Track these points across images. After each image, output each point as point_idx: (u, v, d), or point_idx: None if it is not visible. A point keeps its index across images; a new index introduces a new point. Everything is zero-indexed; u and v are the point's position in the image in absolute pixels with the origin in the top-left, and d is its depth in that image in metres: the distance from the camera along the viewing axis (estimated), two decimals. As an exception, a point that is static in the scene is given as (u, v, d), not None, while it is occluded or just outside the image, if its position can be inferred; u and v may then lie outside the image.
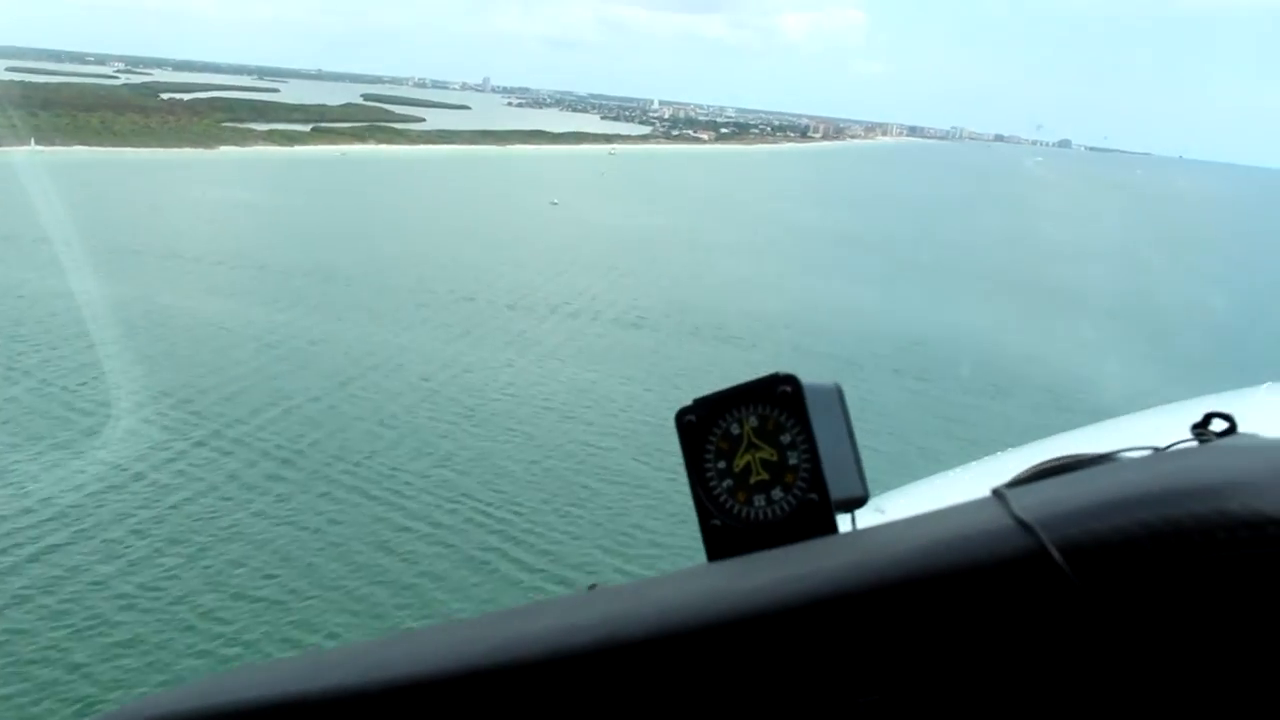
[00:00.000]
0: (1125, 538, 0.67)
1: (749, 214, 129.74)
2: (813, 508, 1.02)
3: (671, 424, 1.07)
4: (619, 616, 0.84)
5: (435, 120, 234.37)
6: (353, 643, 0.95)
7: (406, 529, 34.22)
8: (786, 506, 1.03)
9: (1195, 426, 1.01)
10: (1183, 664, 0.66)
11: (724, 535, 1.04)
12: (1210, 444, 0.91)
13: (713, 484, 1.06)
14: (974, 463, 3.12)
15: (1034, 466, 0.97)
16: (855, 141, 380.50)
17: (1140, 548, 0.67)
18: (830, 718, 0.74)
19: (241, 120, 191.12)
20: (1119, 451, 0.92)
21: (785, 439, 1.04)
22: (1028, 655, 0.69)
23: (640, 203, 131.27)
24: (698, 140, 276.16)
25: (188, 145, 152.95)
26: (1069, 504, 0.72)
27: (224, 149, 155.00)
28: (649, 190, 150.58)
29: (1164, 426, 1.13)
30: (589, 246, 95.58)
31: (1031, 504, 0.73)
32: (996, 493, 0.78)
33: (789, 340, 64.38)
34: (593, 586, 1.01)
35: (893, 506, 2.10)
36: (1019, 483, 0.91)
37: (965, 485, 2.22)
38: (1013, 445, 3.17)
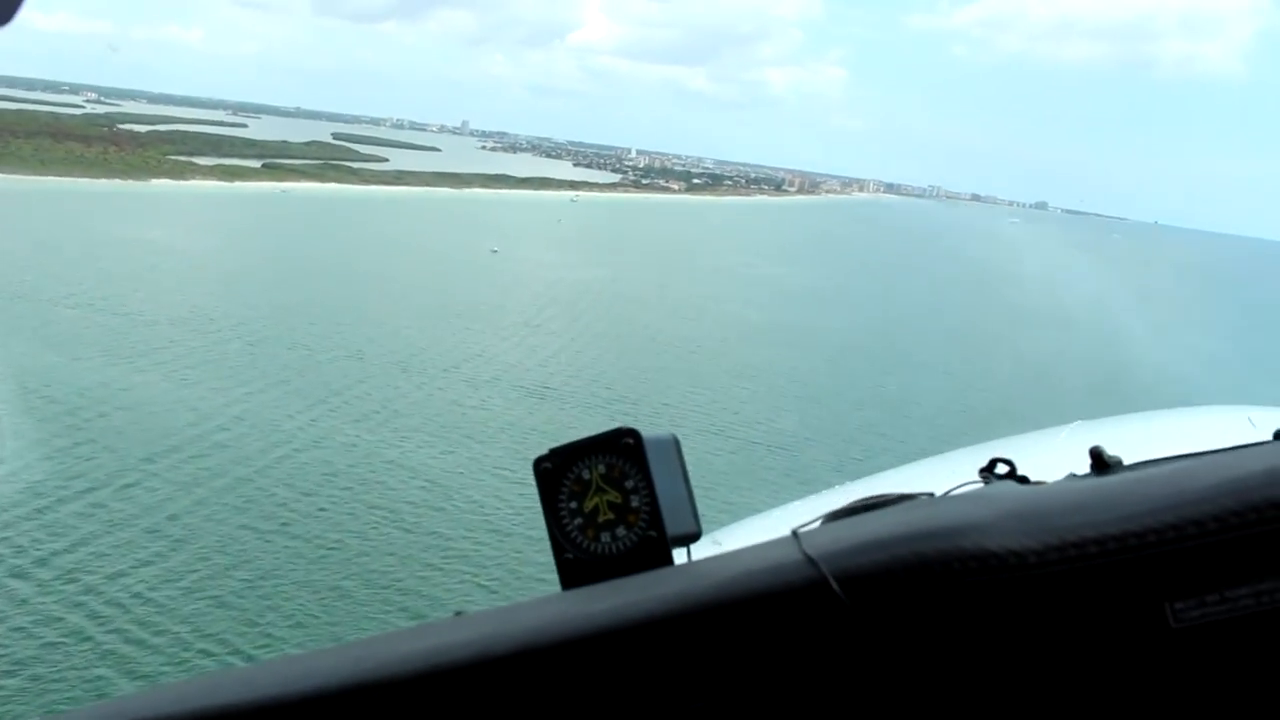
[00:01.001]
0: (887, 570, 0.85)
1: (697, 267, 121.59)
2: (652, 543, 1.16)
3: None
4: (483, 638, 0.97)
5: (399, 161, 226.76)
6: (221, 670, 0.81)
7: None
8: (629, 542, 1.17)
9: (981, 470, 1.20)
10: (935, 674, 0.84)
11: (576, 567, 1.18)
12: (974, 489, 1.06)
13: (566, 523, 1.20)
14: (798, 500, 3.43)
15: (839, 508, 1.14)
16: (831, 196, 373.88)
17: (898, 578, 0.84)
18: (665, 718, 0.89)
19: (193, 154, 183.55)
20: (905, 495, 1.08)
21: (629, 484, 1.18)
22: (818, 666, 0.85)
23: (587, 252, 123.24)
24: (667, 190, 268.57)
25: (120, 177, 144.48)
26: (847, 542, 0.90)
27: (157, 182, 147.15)
28: (601, 240, 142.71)
29: (962, 468, 1.29)
30: (516, 298, 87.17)
31: (819, 542, 0.90)
32: (794, 532, 0.95)
33: (693, 403, 58.01)
34: (458, 613, 1.12)
35: (729, 538, 2.35)
36: (831, 518, 1.12)
37: (789, 519, 2.31)
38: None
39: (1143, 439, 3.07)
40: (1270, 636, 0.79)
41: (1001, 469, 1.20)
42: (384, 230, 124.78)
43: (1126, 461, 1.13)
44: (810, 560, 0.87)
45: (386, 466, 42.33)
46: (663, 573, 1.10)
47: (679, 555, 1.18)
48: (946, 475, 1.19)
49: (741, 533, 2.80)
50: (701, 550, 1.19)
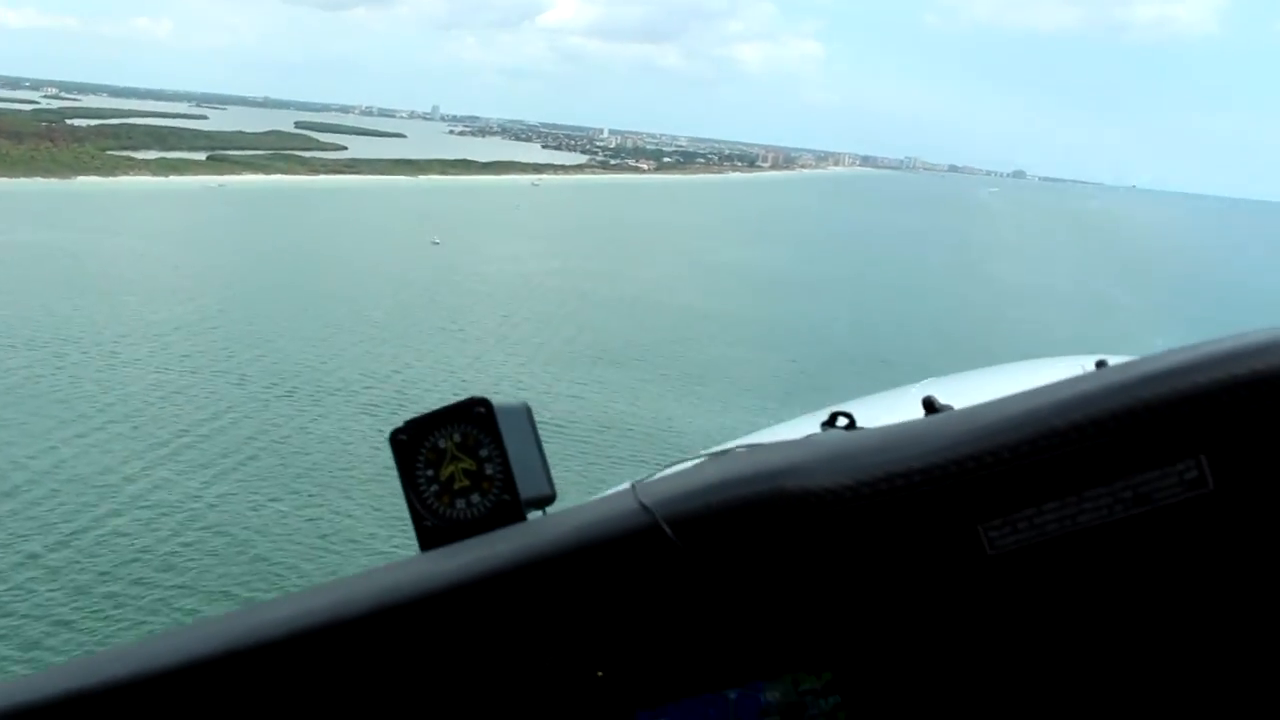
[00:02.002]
0: (714, 512, 0.91)
1: (655, 253, 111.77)
2: (506, 507, 1.18)
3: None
4: (346, 600, 1.02)
5: (359, 149, 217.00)
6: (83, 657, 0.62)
7: None
8: (484, 508, 1.19)
9: (823, 423, 1.24)
10: (768, 607, 0.91)
11: (434, 534, 1.20)
12: (810, 438, 1.10)
13: (423, 491, 1.21)
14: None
15: (678, 460, 1.22)
16: (806, 171, 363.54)
17: (725, 519, 0.91)
18: (529, 672, 0.96)
19: (137, 148, 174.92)
20: (740, 447, 1.13)
21: (483, 452, 1.20)
22: (659, 605, 0.93)
23: (537, 241, 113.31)
24: (636, 170, 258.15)
25: (42, 175, 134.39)
26: (678, 490, 0.96)
27: (83, 179, 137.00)
28: (556, 226, 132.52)
29: (809, 424, 1.33)
30: (446, 298, 77.14)
31: (653, 491, 0.96)
32: (631, 485, 1.00)
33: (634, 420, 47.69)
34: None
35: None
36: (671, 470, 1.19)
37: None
38: None
39: (986, 388, 2.51)
40: (1077, 558, 0.85)
41: (841, 421, 1.25)
42: (316, 224, 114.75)
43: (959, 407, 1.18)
44: (645, 508, 0.94)
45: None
46: (510, 529, 1.14)
47: (534, 517, 1.21)
48: (796, 432, 1.25)
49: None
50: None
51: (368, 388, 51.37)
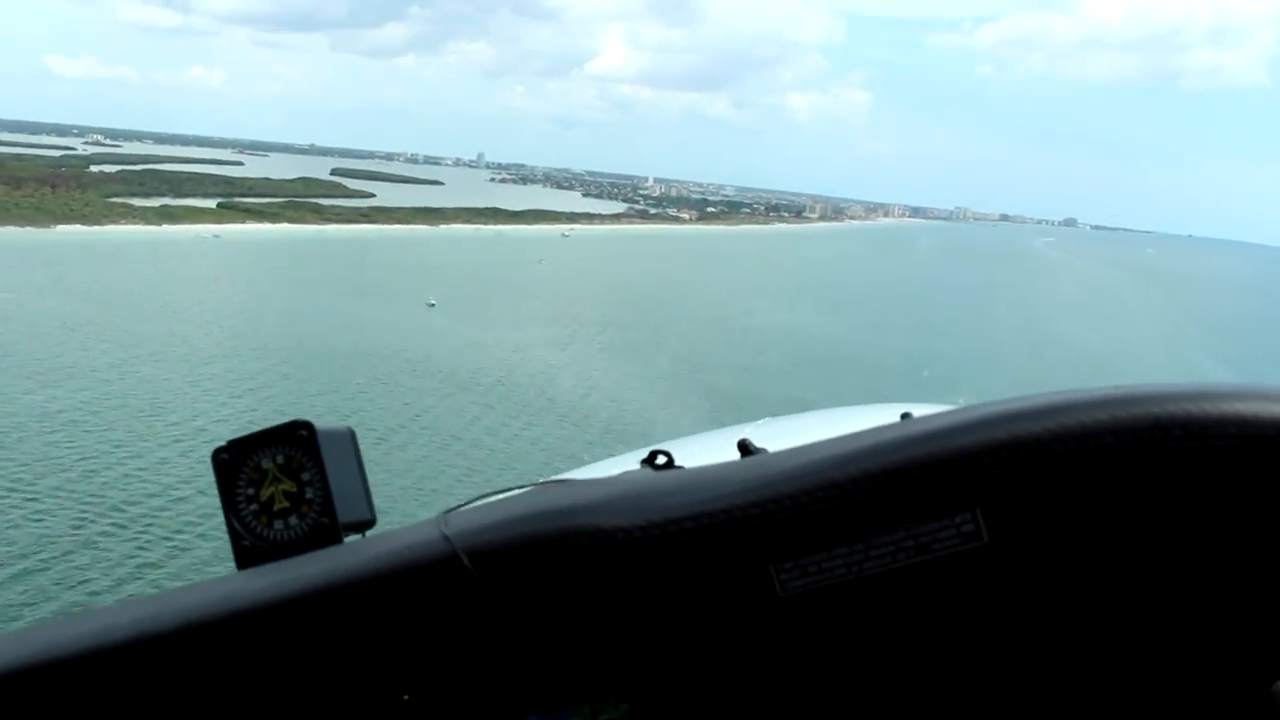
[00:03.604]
0: (511, 546, 0.95)
1: (684, 318, 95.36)
2: (324, 530, 1.19)
3: None
4: (152, 615, 1.01)
5: (391, 196, 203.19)
6: None
7: None
8: (302, 530, 1.19)
9: (642, 461, 1.29)
10: (560, 639, 0.95)
11: (251, 553, 1.20)
12: (617, 476, 1.14)
13: (242, 510, 1.21)
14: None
15: (489, 493, 1.22)
16: (855, 222, 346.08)
17: (521, 553, 0.95)
18: (331, 695, 0.96)
19: (149, 194, 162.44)
20: (551, 481, 1.16)
21: (305, 475, 1.20)
22: (456, 634, 0.96)
23: (551, 303, 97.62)
24: (677, 220, 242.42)
25: (19, 223, 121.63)
26: (479, 522, 0.99)
27: (63, 228, 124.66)
28: (578, 284, 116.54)
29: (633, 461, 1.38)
30: (403, 389, 61.04)
31: (457, 523, 0.99)
32: (441, 514, 1.03)
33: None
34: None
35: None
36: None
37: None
38: None
39: (800, 433, 2.68)
40: (863, 602, 0.91)
41: (660, 460, 1.27)
42: (306, 279, 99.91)
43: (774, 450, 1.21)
44: (446, 539, 0.96)
45: None
46: (319, 553, 1.14)
47: (351, 541, 1.22)
48: (618, 468, 1.29)
49: None
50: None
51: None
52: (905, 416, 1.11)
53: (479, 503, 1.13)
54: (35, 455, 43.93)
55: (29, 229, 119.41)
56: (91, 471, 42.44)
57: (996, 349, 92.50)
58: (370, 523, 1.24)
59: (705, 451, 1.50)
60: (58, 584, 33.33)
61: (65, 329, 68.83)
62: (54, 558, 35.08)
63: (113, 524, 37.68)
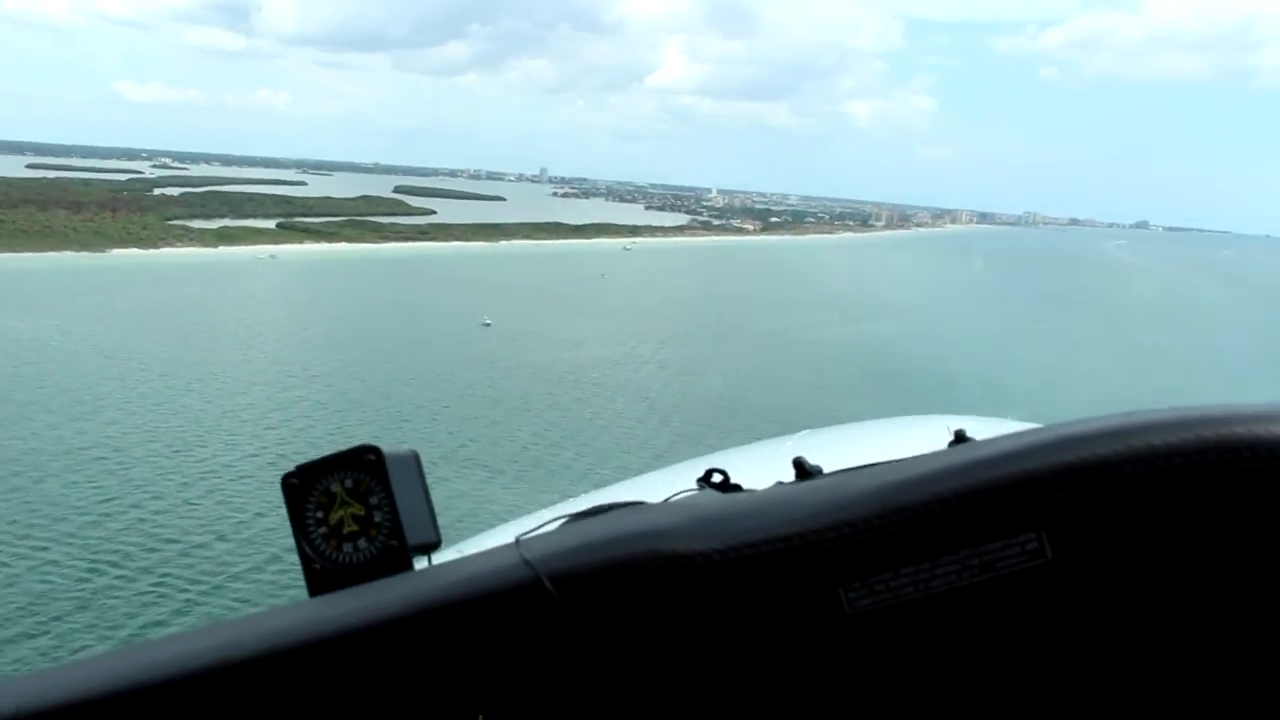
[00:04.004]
0: (591, 571, 0.97)
1: (748, 332, 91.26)
2: (393, 552, 1.21)
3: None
4: (236, 641, 1.03)
5: (452, 213, 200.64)
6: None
7: None
8: (372, 552, 1.21)
9: (699, 480, 1.31)
10: (641, 663, 0.97)
11: (323, 577, 1.22)
12: (685, 497, 1.19)
13: (312, 534, 1.24)
14: (538, 511, 3.13)
15: (561, 515, 1.27)
16: (922, 230, 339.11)
17: (602, 578, 0.97)
18: (408, 715, 0.98)
19: (210, 216, 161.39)
20: (621, 504, 1.20)
21: (373, 500, 1.23)
22: (540, 658, 0.98)
23: (611, 319, 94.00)
24: (741, 231, 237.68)
25: (75, 247, 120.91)
26: (558, 547, 1.02)
27: (118, 252, 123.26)
28: (640, 298, 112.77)
29: (685, 477, 1.40)
30: (473, 405, 57.59)
31: (536, 547, 1.02)
32: (516, 539, 1.06)
33: None
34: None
35: (471, 547, 2.25)
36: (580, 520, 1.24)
37: (525, 526, 2.82)
38: None
39: (852, 446, 3.23)
40: (929, 618, 0.94)
41: (716, 478, 1.30)
42: (360, 298, 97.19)
43: (829, 469, 1.25)
44: (527, 563, 0.99)
45: None
46: (398, 578, 1.16)
47: (420, 563, 1.23)
48: (671, 485, 1.31)
49: (486, 541, 2.61)
50: (443, 558, 1.25)
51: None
52: (958, 436, 1.17)
53: (553, 524, 1.16)
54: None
55: (84, 254, 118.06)
56: (105, 516, 39.30)
57: (1077, 361, 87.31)
58: (436, 544, 1.26)
59: (756, 467, 1.56)
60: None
61: (102, 356, 66.30)
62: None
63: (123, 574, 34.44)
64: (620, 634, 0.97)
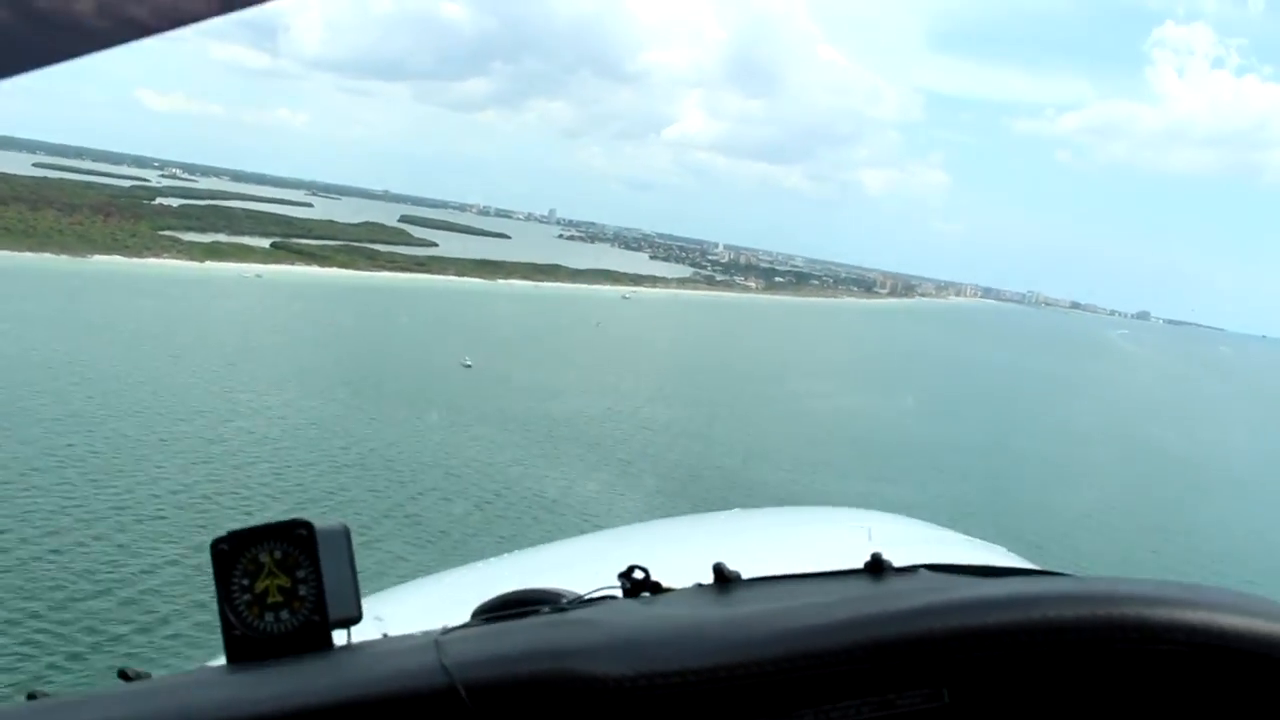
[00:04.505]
0: (508, 684, 1.00)
1: (746, 397, 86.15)
2: (314, 627, 1.22)
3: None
4: (149, 713, 1.04)
5: (454, 247, 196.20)
6: None
7: None
8: (294, 624, 1.22)
9: (620, 575, 1.33)
10: None
11: (241, 643, 1.23)
12: (601, 605, 1.22)
13: (236, 600, 1.24)
14: (464, 568, 3.41)
15: (486, 606, 1.32)
16: (925, 300, 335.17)
17: (517, 693, 1.00)
18: None
19: (204, 230, 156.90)
20: (545, 598, 1.27)
21: (300, 573, 1.24)
22: None
23: (594, 372, 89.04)
24: (744, 288, 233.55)
25: (55, 250, 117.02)
26: (477, 655, 1.04)
27: (100, 258, 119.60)
28: (629, 352, 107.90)
29: (609, 559, 1.45)
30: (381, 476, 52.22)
31: (454, 652, 1.04)
32: (435, 641, 1.08)
33: None
34: (124, 674, 1.22)
35: (389, 608, 2.39)
36: (483, 612, 1.30)
37: (448, 593, 2.79)
38: None
39: (773, 542, 3.34)
40: None
41: (638, 574, 1.32)
42: (326, 327, 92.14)
43: (750, 564, 1.29)
44: (445, 669, 1.01)
45: None
46: (319, 660, 1.18)
47: (339, 636, 1.25)
48: (593, 568, 1.34)
49: (405, 599, 2.81)
50: (363, 628, 1.28)
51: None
52: (874, 561, 1.22)
53: (468, 628, 1.18)
54: None
55: (63, 257, 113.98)
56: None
57: (1085, 451, 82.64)
58: (356, 620, 1.27)
59: (679, 557, 1.55)
60: None
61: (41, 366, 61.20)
62: None
63: None
64: None
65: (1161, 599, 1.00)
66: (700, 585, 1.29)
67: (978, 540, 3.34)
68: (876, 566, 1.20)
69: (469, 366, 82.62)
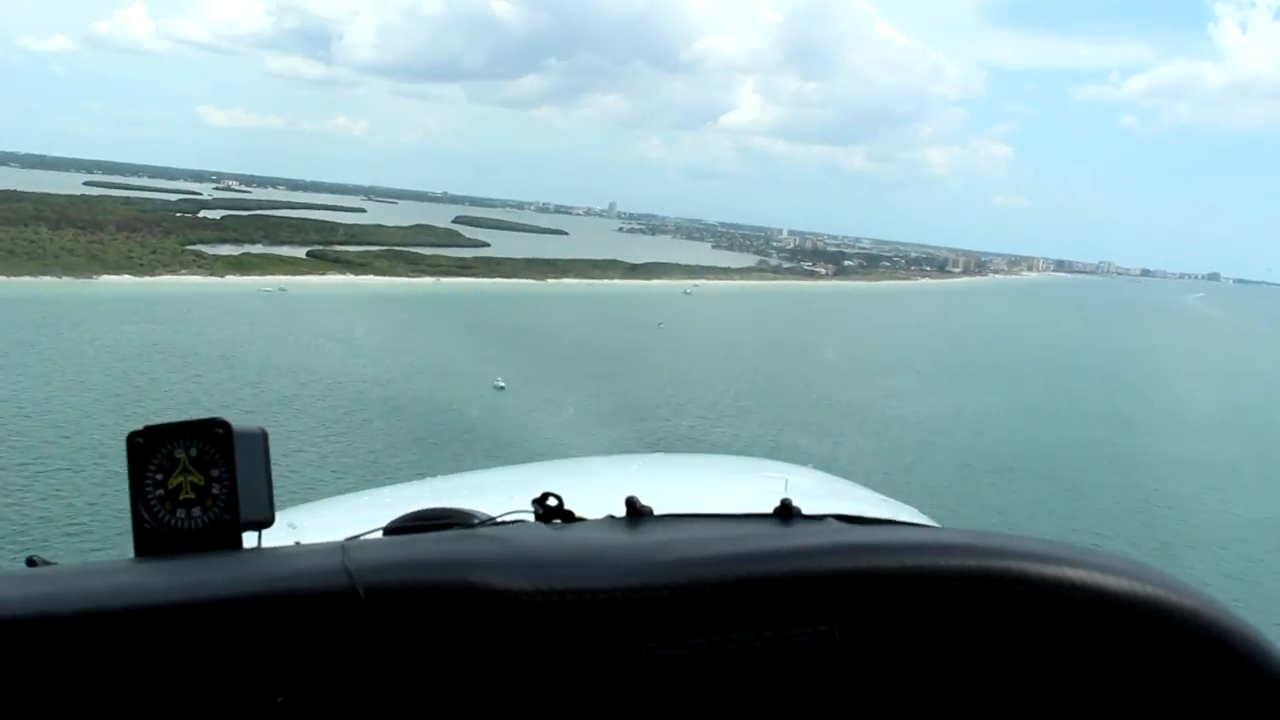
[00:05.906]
0: (407, 590, 1.00)
1: (817, 404, 72.12)
2: (224, 525, 1.20)
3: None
4: (51, 595, 1.02)
5: (508, 246, 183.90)
6: None
7: None
8: (205, 521, 1.20)
9: (534, 500, 1.34)
10: (440, 683, 1.00)
11: (150, 537, 1.21)
12: (511, 526, 1.22)
13: (149, 495, 1.22)
14: (387, 488, 3.51)
15: (399, 521, 1.30)
16: (998, 277, 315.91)
17: (416, 598, 1.00)
18: (212, 688, 0.98)
19: (242, 241, 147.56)
20: (454, 518, 1.26)
21: (214, 471, 1.21)
22: (347, 663, 0.99)
23: (659, 383, 75.12)
24: (813, 275, 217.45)
25: (60, 271, 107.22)
26: (380, 560, 1.04)
27: (107, 278, 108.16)
28: (697, 355, 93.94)
29: (529, 487, 1.44)
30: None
31: (358, 556, 1.04)
32: (343, 545, 1.09)
33: None
34: (30, 560, 1.17)
35: (306, 519, 2.41)
36: (394, 529, 1.29)
37: (365, 509, 2.81)
38: None
39: (689, 485, 3.39)
40: (721, 676, 1.01)
41: (552, 502, 1.32)
42: (341, 344, 79.29)
43: (663, 506, 1.29)
44: (347, 571, 1.01)
45: None
46: (224, 557, 1.16)
47: (250, 538, 1.22)
48: (509, 494, 1.29)
49: (321, 512, 2.84)
50: (276, 533, 1.25)
51: None
52: (783, 506, 1.23)
53: (376, 534, 1.18)
54: None
55: (66, 279, 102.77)
56: None
57: (1208, 442, 67.99)
58: (268, 523, 1.24)
59: (595, 490, 1.55)
60: None
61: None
62: None
63: None
64: (423, 653, 0.99)
65: (1050, 556, 1.03)
66: (612, 517, 1.30)
67: (895, 501, 3.28)
68: (786, 512, 1.21)
69: (502, 388, 69.53)
